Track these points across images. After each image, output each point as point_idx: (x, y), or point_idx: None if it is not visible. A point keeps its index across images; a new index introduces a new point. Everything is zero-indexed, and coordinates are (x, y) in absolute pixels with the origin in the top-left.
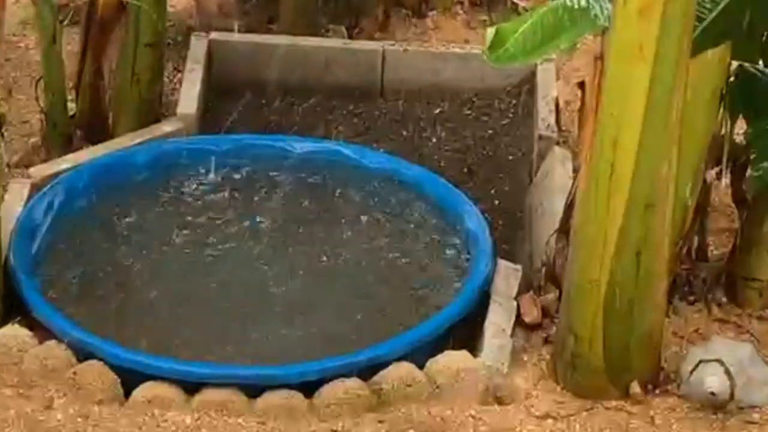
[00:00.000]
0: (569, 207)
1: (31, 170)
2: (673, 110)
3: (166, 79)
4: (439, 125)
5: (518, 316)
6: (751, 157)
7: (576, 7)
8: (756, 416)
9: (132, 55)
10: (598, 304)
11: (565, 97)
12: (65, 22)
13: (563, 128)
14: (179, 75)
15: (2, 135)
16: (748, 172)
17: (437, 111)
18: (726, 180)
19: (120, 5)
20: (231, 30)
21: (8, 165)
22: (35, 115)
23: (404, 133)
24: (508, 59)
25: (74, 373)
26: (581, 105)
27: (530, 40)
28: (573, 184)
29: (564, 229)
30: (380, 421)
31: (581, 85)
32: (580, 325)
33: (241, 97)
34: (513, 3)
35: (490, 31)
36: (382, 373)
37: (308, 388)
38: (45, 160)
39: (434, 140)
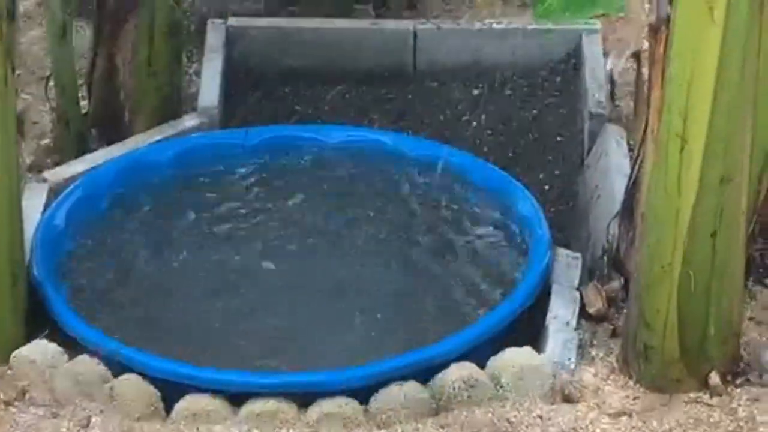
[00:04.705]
0: (632, 188)
1: (47, 174)
2: (747, 76)
3: (183, 71)
4: (478, 107)
5: (582, 307)
6: None
7: None
8: None
9: (148, 47)
10: (672, 290)
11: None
12: (70, 14)
13: (617, 104)
14: (196, 66)
15: (22, 135)
16: None
17: (476, 92)
18: None
19: None
20: (250, 15)
21: (21, 169)
22: (46, 115)
23: (441, 117)
24: (549, 15)
25: (111, 388)
26: (637, 78)
27: None
28: (633, 163)
29: (627, 213)
30: (442, 426)
31: (635, 55)
32: (653, 313)
33: (264, 86)
34: None
35: None
36: (441, 374)
37: (363, 394)
38: (59, 163)
39: (474, 124)
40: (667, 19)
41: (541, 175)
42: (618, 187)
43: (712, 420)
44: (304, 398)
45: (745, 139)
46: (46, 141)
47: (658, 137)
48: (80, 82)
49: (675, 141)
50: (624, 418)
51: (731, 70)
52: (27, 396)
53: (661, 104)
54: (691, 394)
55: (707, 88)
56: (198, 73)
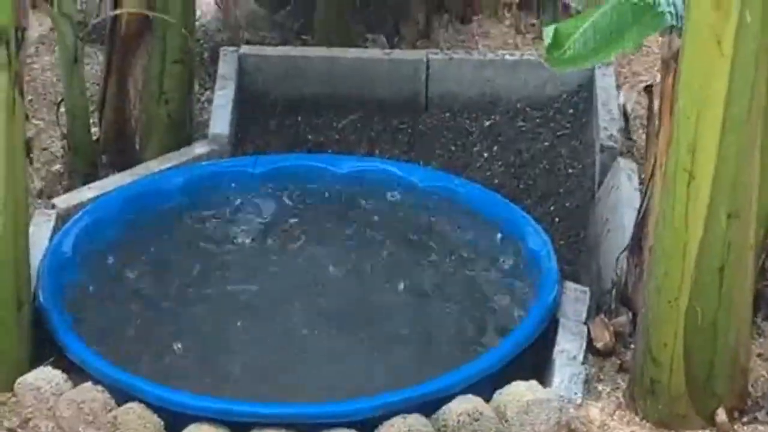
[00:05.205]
0: (641, 222)
1: (56, 200)
2: (755, 110)
3: (194, 98)
4: (490, 138)
5: (589, 341)
6: None
7: (641, 3)
8: None
9: (159, 74)
10: (679, 324)
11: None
12: (82, 40)
13: (630, 138)
14: (208, 93)
15: (30, 161)
16: None
17: (487, 123)
18: None
19: (145, 20)
20: (262, 43)
21: (30, 195)
22: (56, 141)
23: (452, 148)
24: (567, 62)
25: (114, 417)
26: (648, 111)
27: (592, 40)
28: (643, 197)
29: (636, 247)
30: None
31: (648, 89)
32: (660, 348)
33: (276, 114)
34: (564, 5)
35: (549, 30)
36: (445, 407)
37: (366, 426)
38: (68, 189)
39: (485, 155)
40: (678, 53)
41: (551, 208)
42: (628, 220)
43: None
44: (310, 429)
45: (753, 174)
46: (56, 167)
47: (666, 171)
48: (91, 108)
49: (682, 175)
50: None
51: (739, 103)
52: (31, 424)
53: (669, 138)
54: (698, 431)
55: (715, 122)
56: (210, 101)
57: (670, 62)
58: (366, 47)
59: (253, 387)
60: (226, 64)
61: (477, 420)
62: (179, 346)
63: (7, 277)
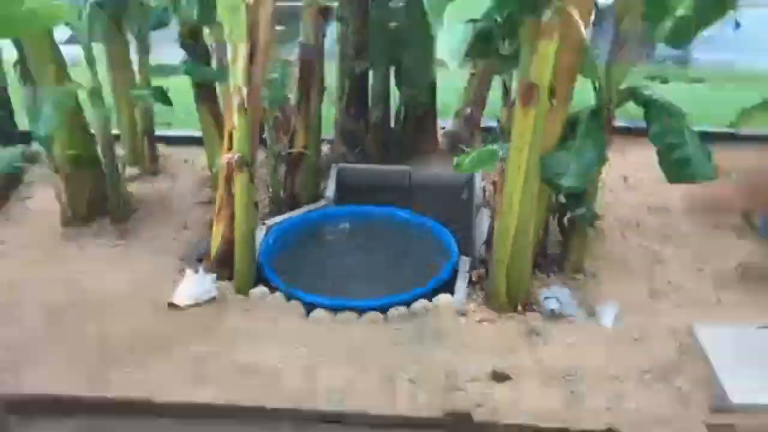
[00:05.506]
0: (489, 232)
1: (266, 221)
2: (531, 196)
3: (320, 183)
4: (437, 201)
5: (469, 279)
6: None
7: (494, 149)
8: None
9: (310, 176)
10: (501, 269)
11: (488, 186)
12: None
13: (488, 201)
14: (324, 182)
15: (256, 206)
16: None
17: (432, 194)
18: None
19: (304, 153)
20: (346, 162)
21: (256, 220)
22: (265, 197)
23: (422, 204)
24: (464, 170)
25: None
26: (493, 189)
27: (474, 162)
28: (491, 222)
29: (488, 241)
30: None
31: (494, 182)
32: (495, 279)
33: (353, 192)
34: (462, 150)
35: (456, 159)
36: (414, 303)
37: (383, 309)
38: (269, 216)
39: (437, 207)
40: (502, 171)
41: (457, 225)
42: (485, 232)
43: (519, 324)
44: (361, 312)
45: (531, 216)
46: (266, 209)
47: (500, 215)
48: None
49: (507, 218)
50: (485, 323)
51: (526, 194)
52: (254, 311)
53: (501, 199)
54: (510, 314)
55: (516, 199)
56: (325, 185)
57: (502, 172)
58: (388, 164)
59: (340, 292)
60: (332, 171)
61: (427, 309)
62: (313, 278)
63: (249, 254)
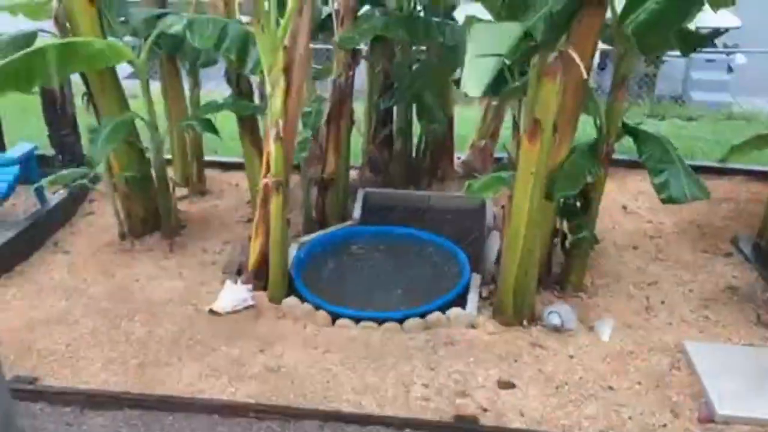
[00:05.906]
0: (499, 252)
1: (299, 239)
2: (536, 221)
3: (349, 204)
4: (452, 223)
5: (480, 294)
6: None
7: (501, 175)
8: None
9: (343, 198)
10: (509, 284)
11: (498, 211)
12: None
13: (498, 224)
14: (351, 204)
15: (288, 224)
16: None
17: (449, 216)
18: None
19: (336, 176)
20: (373, 186)
21: (289, 237)
22: (300, 219)
23: (438, 225)
24: (475, 194)
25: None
26: (503, 215)
27: (483, 186)
28: (501, 242)
29: (498, 259)
30: (428, 334)
31: (503, 206)
32: (503, 294)
33: (376, 212)
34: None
35: (466, 184)
36: (429, 315)
37: (401, 320)
38: (302, 234)
39: (453, 228)
40: (510, 198)
41: (470, 245)
42: (496, 251)
43: (524, 337)
44: (381, 321)
45: (538, 236)
46: (299, 228)
47: (507, 235)
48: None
49: (516, 239)
50: (493, 335)
51: (533, 218)
52: (287, 316)
53: (509, 224)
54: (516, 327)
55: (524, 220)
56: (352, 206)
57: (510, 199)
58: (409, 189)
59: (363, 303)
60: (359, 194)
61: (441, 321)
62: (338, 290)
63: (282, 267)
